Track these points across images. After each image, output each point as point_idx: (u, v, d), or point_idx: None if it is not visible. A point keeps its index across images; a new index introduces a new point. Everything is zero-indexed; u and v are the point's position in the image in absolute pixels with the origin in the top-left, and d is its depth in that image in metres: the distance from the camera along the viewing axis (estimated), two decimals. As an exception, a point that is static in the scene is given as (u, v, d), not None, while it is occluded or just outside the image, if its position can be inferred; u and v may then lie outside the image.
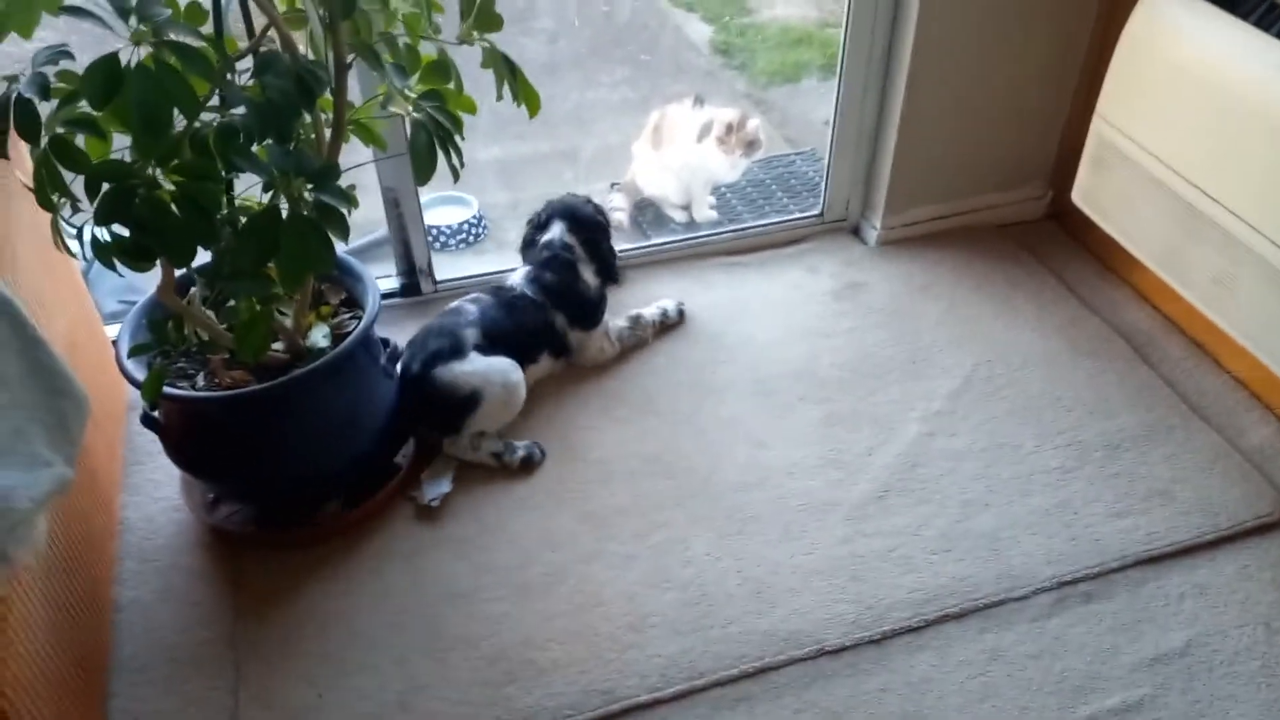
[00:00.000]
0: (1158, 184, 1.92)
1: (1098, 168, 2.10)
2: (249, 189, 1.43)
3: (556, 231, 2.13)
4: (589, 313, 2.11)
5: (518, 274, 2.11)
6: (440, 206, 2.82)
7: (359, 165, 1.55)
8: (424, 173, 1.35)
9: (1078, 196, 2.20)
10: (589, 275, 2.13)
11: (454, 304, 2.03)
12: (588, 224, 2.17)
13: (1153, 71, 1.89)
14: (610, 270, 2.18)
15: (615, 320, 2.17)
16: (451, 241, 2.75)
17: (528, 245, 2.20)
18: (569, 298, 2.08)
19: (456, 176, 1.40)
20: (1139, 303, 2.30)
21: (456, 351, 1.88)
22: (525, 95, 1.38)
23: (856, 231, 2.56)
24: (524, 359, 1.99)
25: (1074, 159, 2.20)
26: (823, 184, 2.52)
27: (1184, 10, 1.82)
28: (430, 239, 2.66)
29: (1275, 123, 1.65)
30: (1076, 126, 2.33)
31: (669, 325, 2.24)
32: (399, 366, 1.89)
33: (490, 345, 1.93)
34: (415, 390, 1.87)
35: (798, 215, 2.59)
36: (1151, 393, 2.04)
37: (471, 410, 1.86)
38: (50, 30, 1.27)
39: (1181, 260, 1.93)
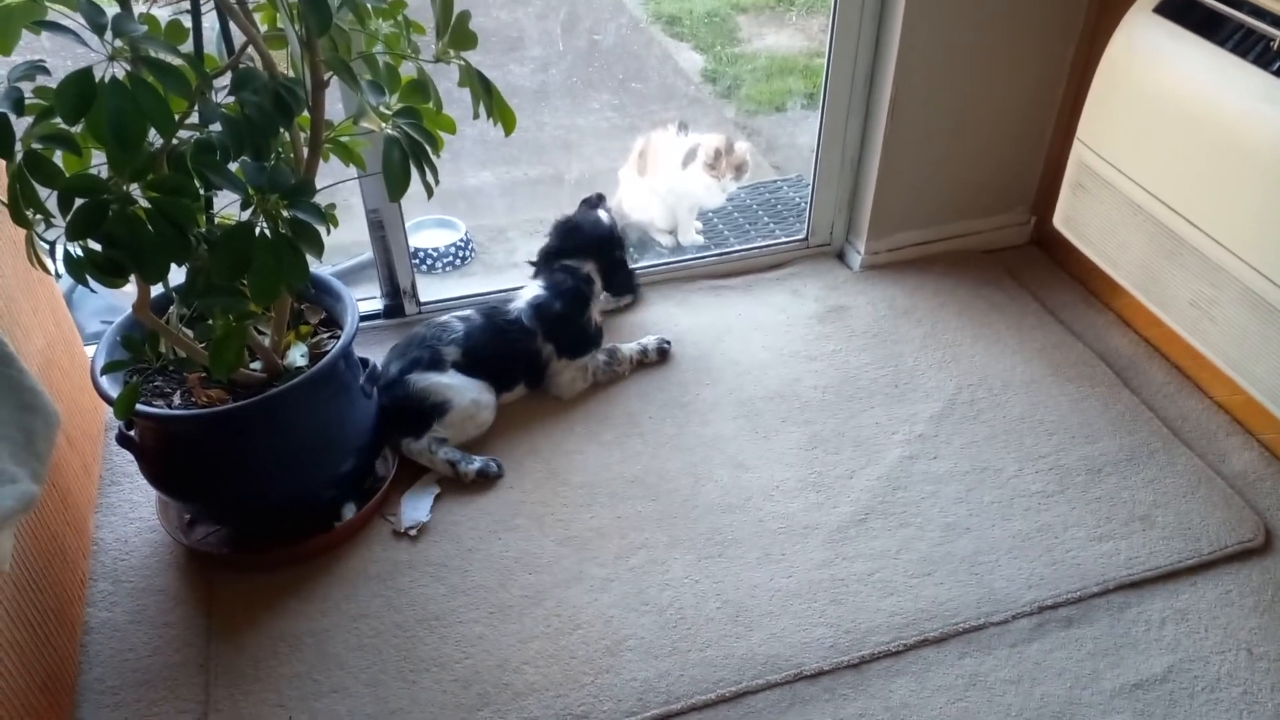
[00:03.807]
0: (1137, 208, 1.93)
1: (1078, 192, 2.12)
2: (227, 206, 1.43)
3: (586, 265, 2.16)
4: (582, 345, 2.11)
5: (523, 296, 2.10)
6: (428, 229, 2.83)
7: (337, 183, 1.55)
8: (397, 189, 1.34)
9: (1059, 221, 2.21)
10: (596, 310, 2.15)
11: (443, 318, 2.04)
12: (606, 250, 2.19)
13: (1131, 96, 1.90)
14: (626, 284, 2.24)
15: (596, 354, 2.16)
16: (439, 264, 2.76)
17: (545, 259, 2.20)
18: (568, 330, 2.08)
19: (430, 194, 1.40)
20: (1121, 328, 2.30)
21: (435, 364, 1.93)
22: (500, 113, 1.38)
23: (841, 256, 2.57)
24: (500, 386, 2.02)
25: (1057, 184, 2.21)
26: (807, 209, 2.53)
27: (1163, 35, 1.84)
28: (417, 261, 2.67)
29: (1251, 147, 1.66)
30: (1059, 152, 2.34)
31: (647, 363, 2.21)
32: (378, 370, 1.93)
33: (469, 366, 1.96)
34: (388, 392, 1.90)
35: (783, 240, 2.60)
36: (1133, 417, 2.04)
37: (438, 417, 1.89)
38: (36, 50, 1.27)
39: (1160, 285, 1.93)
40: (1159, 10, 1.86)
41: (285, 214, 1.28)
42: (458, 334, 1.98)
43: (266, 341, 1.65)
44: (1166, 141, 1.84)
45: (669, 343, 2.23)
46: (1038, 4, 2.19)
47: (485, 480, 1.89)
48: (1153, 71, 1.85)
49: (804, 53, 4.15)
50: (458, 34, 1.34)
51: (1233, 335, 1.79)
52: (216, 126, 1.26)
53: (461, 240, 2.79)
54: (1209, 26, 1.77)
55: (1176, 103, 1.80)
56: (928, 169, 2.39)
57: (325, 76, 1.37)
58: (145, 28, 1.20)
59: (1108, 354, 2.22)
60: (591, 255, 2.16)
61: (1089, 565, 1.73)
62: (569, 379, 2.11)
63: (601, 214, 2.23)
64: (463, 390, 1.93)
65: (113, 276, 1.28)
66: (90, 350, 1.92)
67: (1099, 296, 2.39)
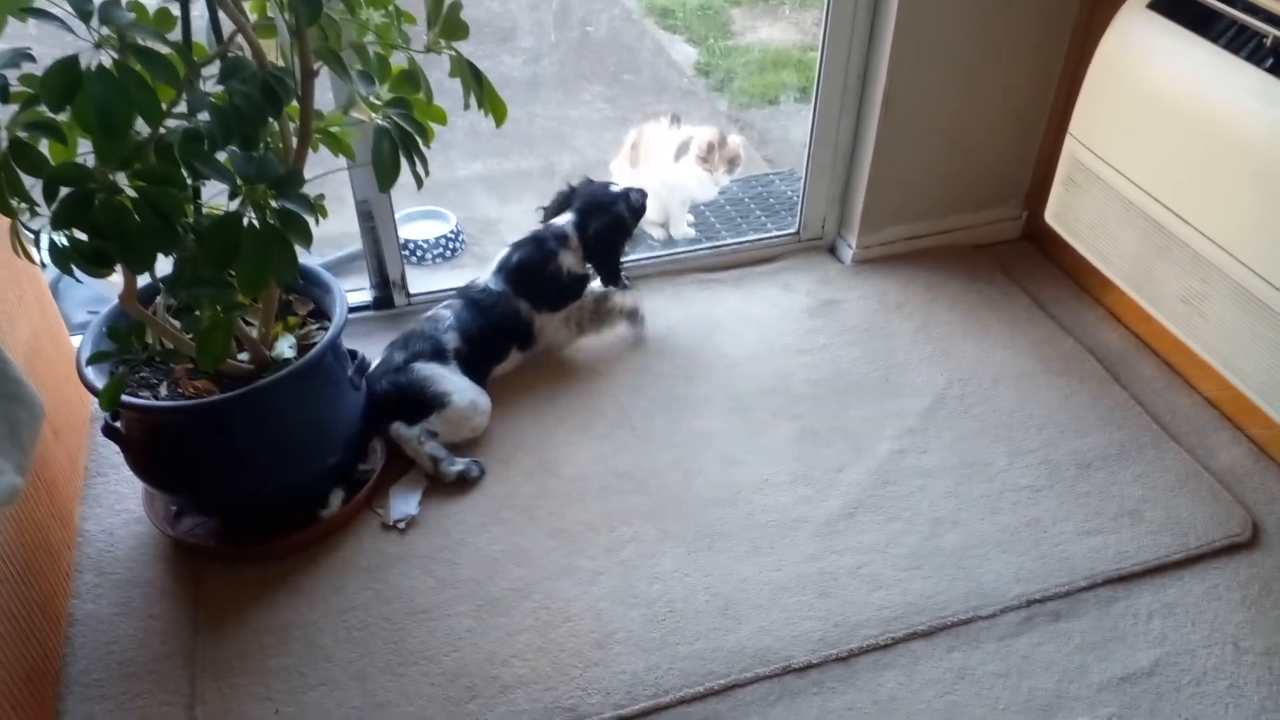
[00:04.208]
0: (1128, 204, 1.93)
1: (1070, 188, 2.12)
2: (215, 196, 1.42)
3: (563, 219, 2.14)
4: (554, 298, 2.12)
5: (492, 263, 2.13)
6: (418, 221, 2.82)
7: (326, 174, 1.54)
8: (386, 179, 1.34)
9: (1050, 216, 2.21)
10: (570, 261, 2.11)
11: (430, 312, 2.06)
12: (589, 209, 2.13)
13: (1124, 92, 1.90)
14: (604, 266, 2.16)
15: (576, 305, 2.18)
16: (429, 256, 2.75)
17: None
18: (537, 281, 2.09)
19: (420, 185, 1.39)
20: (1112, 323, 2.31)
21: (439, 355, 1.95)
22: (491, 104, 1.38)
23: (832, 250, 2.57)
24: (496, 357, 2.06)
25: (1049, 179, 2.22)
26: (799, 203, 2.53)
27: (1156, 32, 1.84)
28: (407, 253, 2.66)
29: (1244, 144, 1.66)
30: (1052, 147, 2.34)
31: (634, 321, 2.24)
32: (377, 360, 1.95)
33: (469, 347, 1.99)
34: (391, 377, 1.90)
35: (774, 233, 2.60)
36: (1123, 412, 2.05)
37: (437, 409, 1.89)
38: (23, 38, 1.26)
39: (1151, 281, 1.94)
40: (1152, 6, 1.86)
41: (273, 204, 1.27)
42: (450, 320, 2.01)
43: (254, 333, 1.64)
44: (1159, 137, 1.84)
45: (643, 317, 2.25)
46: (1031, -1, 2.19)
47: (464, 483, 1.88)
48: (1145, 67, 1.85)
49: (797, 46, 4.15)
50: (449, 24, 1.33)
51: (1223, 331, 1.80)
52: (204, 116, 1.24)
53: (452, 232, 2.78)
54: (1202, 23, 1.77)
55: (1169, 99, 1.80)
56: (920, 163, 2.39)
57: (315, 66, 1.36)
58: (133, 15, 1.18)
59: (1098, 349, 2.23)
60: (577, 210, 2.13)
61: (1077, 559, 1.74)
62: (553, 331, 2.14)
63: (614, 185, 2.19)
64: (464, 390, 1.93)
65: (99, 266, 1.28)
66: (76, 341, 1.90)
67: (1090, 292, 2.40)
